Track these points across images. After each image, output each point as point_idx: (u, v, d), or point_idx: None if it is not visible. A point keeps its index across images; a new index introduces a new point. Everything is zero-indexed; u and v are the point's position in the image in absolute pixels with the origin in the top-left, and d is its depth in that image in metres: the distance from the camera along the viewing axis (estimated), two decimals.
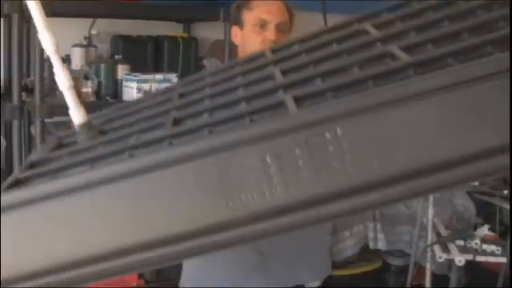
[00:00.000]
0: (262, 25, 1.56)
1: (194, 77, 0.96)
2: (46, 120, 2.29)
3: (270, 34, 1.57)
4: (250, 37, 1.59)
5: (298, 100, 0.65)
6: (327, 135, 0.60)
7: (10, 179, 0.72)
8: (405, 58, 0.62)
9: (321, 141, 0.60)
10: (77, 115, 0.77)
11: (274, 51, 0.90)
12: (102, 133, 0.80)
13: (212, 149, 0.61)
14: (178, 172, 0.63)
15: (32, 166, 0.77)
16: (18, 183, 0.71)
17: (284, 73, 0.76)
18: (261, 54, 0.92)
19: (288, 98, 0.65)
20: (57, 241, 0.66)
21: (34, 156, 0.80)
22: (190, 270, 1.66)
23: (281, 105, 0.66)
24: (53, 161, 0.77)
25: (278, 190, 0.61)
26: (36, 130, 2.31)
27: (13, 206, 0.66)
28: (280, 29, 1.58)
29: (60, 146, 0.83)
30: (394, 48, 0.65)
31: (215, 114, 0.73)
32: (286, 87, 0.70)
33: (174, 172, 0.63)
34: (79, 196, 0.64)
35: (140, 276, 2.59)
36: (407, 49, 0.64)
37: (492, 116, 0.57)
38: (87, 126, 0.77)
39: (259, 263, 1.55)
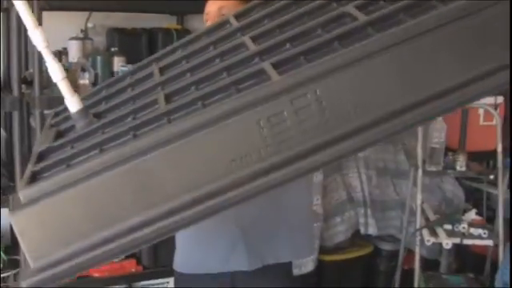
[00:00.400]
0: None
1: (165, 50, 1.02)
2: (45, 111, 2.33)
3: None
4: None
5: (275, 66, 0.74)
6: (308, 96, 0.70)
7: (26, 173, 0.77)
8: (362, 17, 0.70)
9: (304, 101, 0.70)
10: (72, 103, 0.83)
11: (237, 17, 0.97)
12: (97, 116, 0.85)
13: (213, 118, 0.71)
14: (185, 144, 0.71)
15: (41, 157, 0.82)
16: (35, 175, 0.77)
17: (254, 39, 0.84)
18: (225, 21, 0.99)
19: (267, 66, 0.74)
20: (81, 223, 0.72)
21: (39, 147, 0.84)
22: (180, 248, 1.74)
23: (261, 72, 0.74)
24: (59, 149, 0.83)
25: (272, 149, 0.71)
26: (36, 121, 2.35)
27: (39, 198, 0.72)
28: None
29: (59, 134, 0.87)
30: (350, 8, 0.73)
31: (201, 86, 0.80)
32: (261, 54, 0.79)
33: (182, 145, 0.71)
34: (97, 179, 0.72)
35: (138, 262, 2.67)
36: (361, 7, 0.73)
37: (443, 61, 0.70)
38: (83, 112, 0.83)
39: (241, 239, 1.62)
